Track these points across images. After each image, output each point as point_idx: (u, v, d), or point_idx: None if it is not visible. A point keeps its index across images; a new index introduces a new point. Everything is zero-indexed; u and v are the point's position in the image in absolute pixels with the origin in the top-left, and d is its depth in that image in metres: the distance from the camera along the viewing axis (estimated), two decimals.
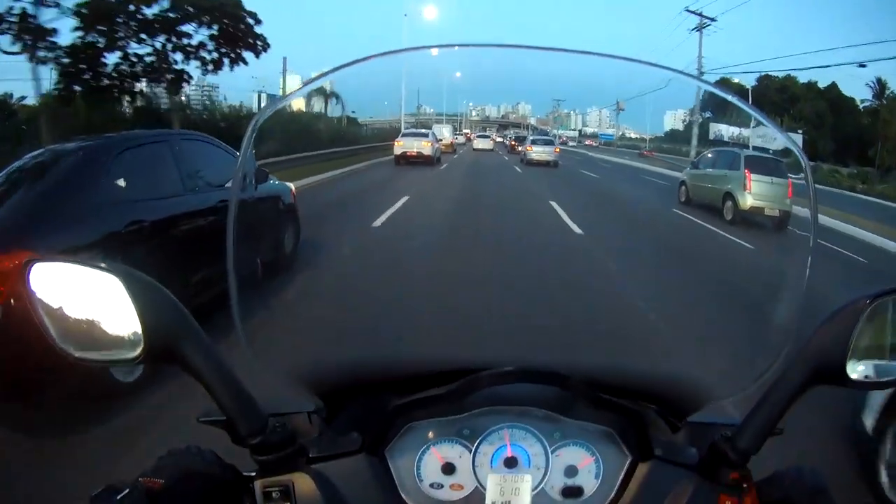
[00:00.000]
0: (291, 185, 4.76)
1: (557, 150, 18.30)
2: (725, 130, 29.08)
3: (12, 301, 2.22)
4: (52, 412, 2.40)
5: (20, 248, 2.31)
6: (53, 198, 2.68)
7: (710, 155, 9.82)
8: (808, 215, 0.67)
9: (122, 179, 2.94)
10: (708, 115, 32.03)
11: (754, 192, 6.73)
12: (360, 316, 2.73)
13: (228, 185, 3.62)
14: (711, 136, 29.74)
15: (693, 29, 26.03)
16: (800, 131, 29.85)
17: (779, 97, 36.40)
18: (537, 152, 17.32)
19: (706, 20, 25.73)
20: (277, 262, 3.96)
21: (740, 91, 30.73)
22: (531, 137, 20.08)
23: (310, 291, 3.23)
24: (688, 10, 26.03)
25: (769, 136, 16.51)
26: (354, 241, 4.71)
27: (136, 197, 3.01)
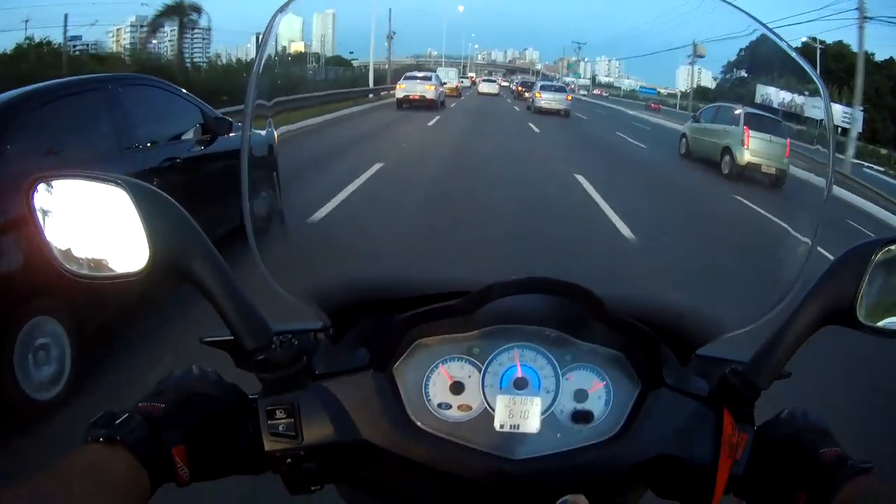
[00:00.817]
0: (273, 131, 4.28)
1: (569, 97, 17.82)
2: (775, 95, 27.73)
3: None
4: None
5: None
6: None
7: (711, 109, 9.78)
8: (806, 177, 0.70)
9: (39, 143, 2.52)
10: (742, 74, 30.46)
11: (752, 149, 6.86)
12: (371, 238, 2.68)
13: (188, 135, 3.40)
14: (758, 100, 28.36)
15: None
16: (861, 108, 28.24)
17: (837, 66, 32.95)
18: (547, 99, 16.14)
19: None
20: (265, 217, 3.73)
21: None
22: (540, 83, 20.61)
23: (319, 217, 3.21)
24: None
25: (821, 105, 15.37)
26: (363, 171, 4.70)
27: (55, 162, 2.57)
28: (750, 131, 8.25)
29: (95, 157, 2.79)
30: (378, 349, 0.60)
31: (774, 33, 0.70)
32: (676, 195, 5.25)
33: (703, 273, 3.13)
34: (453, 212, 3.69)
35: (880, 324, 0.55)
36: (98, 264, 0.50)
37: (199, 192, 3.34)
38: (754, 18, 0.70)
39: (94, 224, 0.49)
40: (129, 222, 0.48)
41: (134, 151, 2.99)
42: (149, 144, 3.14)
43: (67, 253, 0.50)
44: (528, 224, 3.98)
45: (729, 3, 0.69)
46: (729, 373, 0.57)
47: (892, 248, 0.53)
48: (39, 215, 0.49)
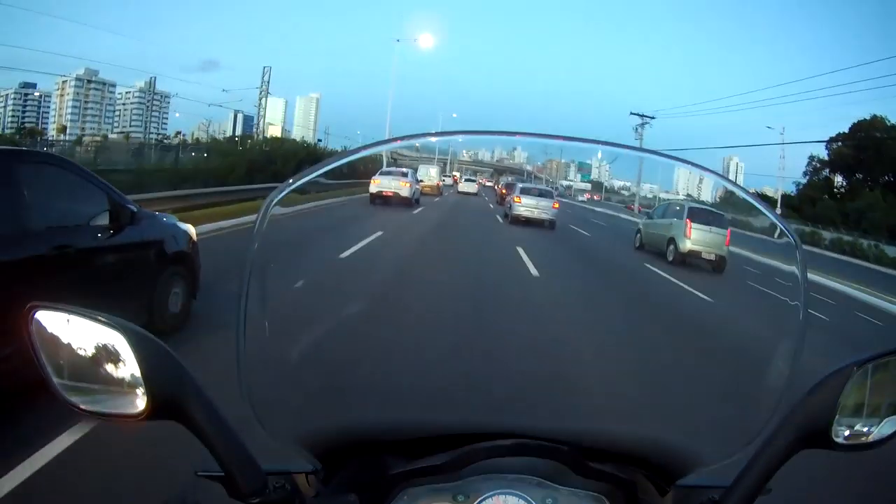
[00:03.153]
0: (190, 227, 4.12)
1: (556, 204, 13.16)
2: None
3: None
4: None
5: None
6: None
7: (662, 206, 11.12)
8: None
9: None
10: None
11: (693, 238, 7.87)
12: (355, 376, 2.80)
13: (94, 222, 3.15)
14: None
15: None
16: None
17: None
18: (527, 206, 12.50)
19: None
20: (155, 323, 3.41)
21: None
22: (520, 185, 14.63)
23: (303, 351, 3.21)
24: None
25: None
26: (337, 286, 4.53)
27: None
28: (692, 223, 9.17)
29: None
30: (367, 496, 0.63)
31: (751, 198, 0.74)
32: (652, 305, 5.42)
33: (683, 397, 3.15)
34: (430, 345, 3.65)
35: (857, 440, 0.57)
36: (97, 401, 0.52)
37: (93, 285, 3.05)
38: (741, 188, 0.76)
39: (91, 360, 0.51)
40: (126, 364, 0.50)
41: (24, 236, 2.69)
42: (44, 228, 2.80)
43: (66, 385, 0.52)
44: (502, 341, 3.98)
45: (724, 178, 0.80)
46: (706, 502, 0.59)
47: (867, 366, 0.56)
48: (38, 343, 0.51)
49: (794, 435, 0.55)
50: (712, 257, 8.05)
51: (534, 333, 4.51)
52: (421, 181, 18.15)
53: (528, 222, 12.11)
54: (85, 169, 3.23)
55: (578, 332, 4.71)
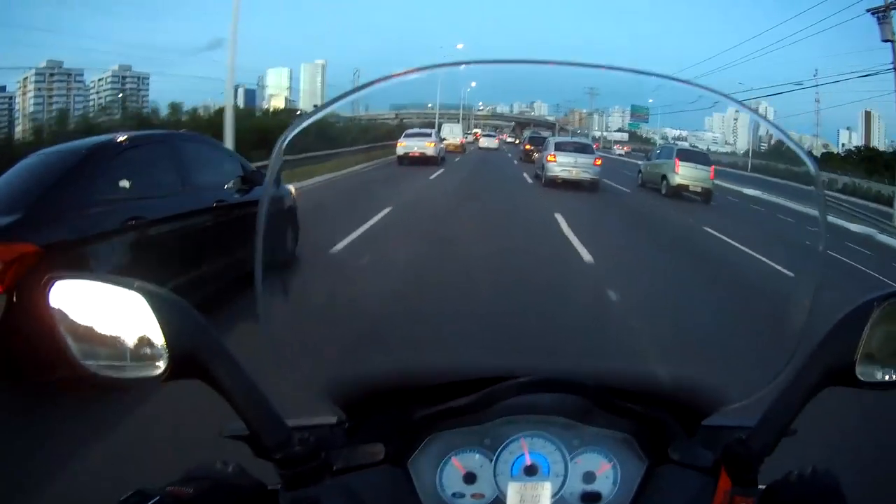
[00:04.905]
0: (291, 188, 4.92)
1: (599, 160, 11.01)
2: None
3: (15, 295, 2.34)
4: (53, 402, 2.47)
5: (24, 240, 2.49)
6: (57, 194, 2.84)
7: (658, 149, 13.25)
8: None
9: (123, 180, 3.15)
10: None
11: (681, 174, 9.58)
12: (378, 324, 2.79)
13: (228, 185, 3.95)
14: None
15: None
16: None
17: None
18: (564, 165, 10.43)
19: None
20: (278, 263, 4.27)
21: None
22: (553, 140, 12.66)
23: (325, 301, 3.25)
24: None
25: None
26: (369, 246, 4.70)
27: (135, 195, 3.19)
28: (680, 161, 10.97)
29: (162, 193, 3.37)
30: (393, 444, 0.63)
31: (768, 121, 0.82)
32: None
33: (705, 336, 3.14)
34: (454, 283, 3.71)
35: (882, 378, 0.58)
36: (116, 365, 0.53)
37: (238, 232, 3.87)
38: (762, 118, 0.85)
39: (111, 325, 0.52)
40: (146, 325, 0.51)
41: (191, 190, 3.60)
42: (207, 186, 3.79)
43: (85, 351, 0.52)
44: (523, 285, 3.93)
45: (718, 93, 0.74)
46: (733, 441, 0.59)
47: (888, 302, 0.56)
48: (57, 313, 0.52)
49: (818, 373, 0.56)
50: (699, 189, 9.73)
51: (557, 276, 4.53)
52: (444, 139, 17.72)
53: (566, 184, 10.28)
54: (221, 144, 4.37)
55: (600, 275, 4.75)
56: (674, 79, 0.69)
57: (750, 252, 6.40)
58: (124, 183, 3.16)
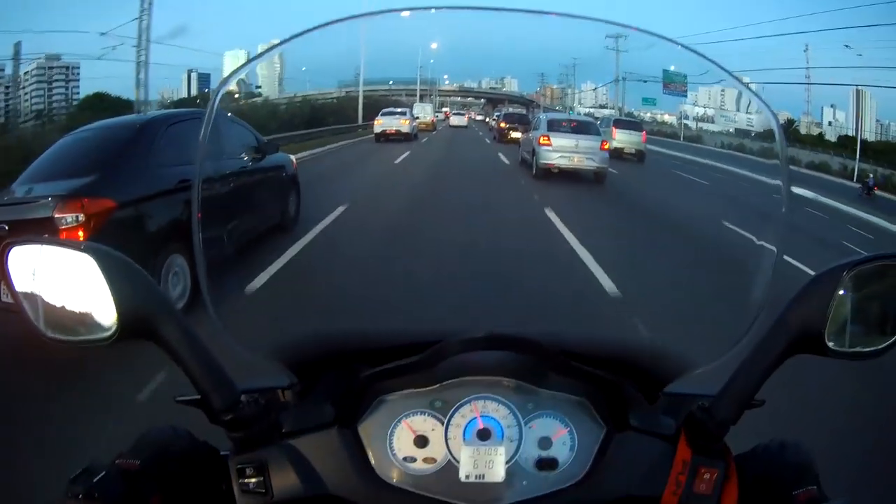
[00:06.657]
0: (292, 157, 5.81)
1: (605, 144, 7.85)
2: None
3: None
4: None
5: (101, 196, 3.12)
6: (123, 162, 3.54)
7: (602, 121, 15.51)
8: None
9: (172, 148, 3.93)
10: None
11: (617, 139, 11.32)
12: (332, 290, 2.75)
13: (244, 154, 4.72)
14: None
15: None
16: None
17: None
18: (562, 149, 7.10)
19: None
20: (284, 225, 4.55)
21: None
22: (546, 116, 9.78)
23: (280, 269, 3.26)
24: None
25: None
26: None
27: (183, 161, 3.84)
28: (616, 129, 13.33)
29: (204, 157, 4.63)
30: (343, 406, 0.62)
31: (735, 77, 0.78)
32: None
33: (667, 302, 3.12)
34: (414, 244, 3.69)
35: (850, 348, 0.56)
36: (69, 329, 0.54)
37: (256, 194, 4.80)
38: (722, 68, 0.72)
39: (64, 289, 0.53)
40: (97, 288, 0.52)
41: (227, 158, 4.44)
42: (232, 153, 4.69)
43: (41, 315, 0.53)
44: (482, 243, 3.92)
45: (698, 54, 0.71)
46: (696, 409, 0.57)
47: (858, 269, 0.54)
48: (12, 277, 0.53)
49: (784, 340, 0.55)
50: (633, 151, 11.73)
51: (516, 240, 4.47)
52: (417, 118, 19.26)
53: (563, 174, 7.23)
54: (237, 118, 5.12)
55: (560, 238, 4.58)
56: (693, 50, 0.67)
57: (710, 212, 5.64)
58: (175, 146, 4.00)
